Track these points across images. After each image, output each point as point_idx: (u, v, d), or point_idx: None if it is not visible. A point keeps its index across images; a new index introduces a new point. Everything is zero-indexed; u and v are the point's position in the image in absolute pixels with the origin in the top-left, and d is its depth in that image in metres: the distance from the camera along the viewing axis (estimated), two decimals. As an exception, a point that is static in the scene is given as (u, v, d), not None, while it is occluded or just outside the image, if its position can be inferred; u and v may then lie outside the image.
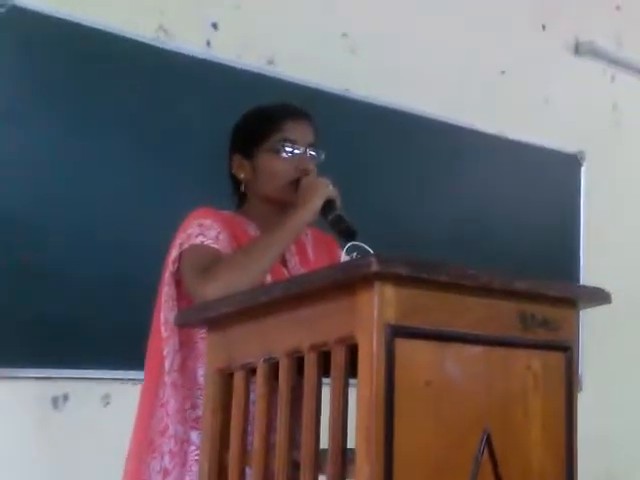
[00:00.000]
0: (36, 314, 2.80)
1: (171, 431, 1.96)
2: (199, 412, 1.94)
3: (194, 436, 1.94)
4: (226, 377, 1.71)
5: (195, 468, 1.90)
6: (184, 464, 1.96)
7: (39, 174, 2.86)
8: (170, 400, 1.97)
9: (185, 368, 2.00)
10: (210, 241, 1.95)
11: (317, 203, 1.96)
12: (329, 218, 1.98)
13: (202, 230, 1.97)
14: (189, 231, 1.98)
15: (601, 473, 4.29)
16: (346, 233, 1.98)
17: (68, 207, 2.90)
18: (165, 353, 1.98)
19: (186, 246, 1.96)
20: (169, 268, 1.99)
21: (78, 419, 2.90)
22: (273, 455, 1.55)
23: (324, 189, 1.97)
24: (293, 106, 2.12)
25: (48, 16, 2.89)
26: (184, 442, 1.95)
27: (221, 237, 1.97)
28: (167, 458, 1.95)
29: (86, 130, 2.95)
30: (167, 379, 1.97)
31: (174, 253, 1.98)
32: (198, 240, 1.95)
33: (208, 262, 1.90)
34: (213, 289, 1.84)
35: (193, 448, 1.94)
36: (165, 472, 1.95)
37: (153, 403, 2.01)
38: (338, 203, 1.99)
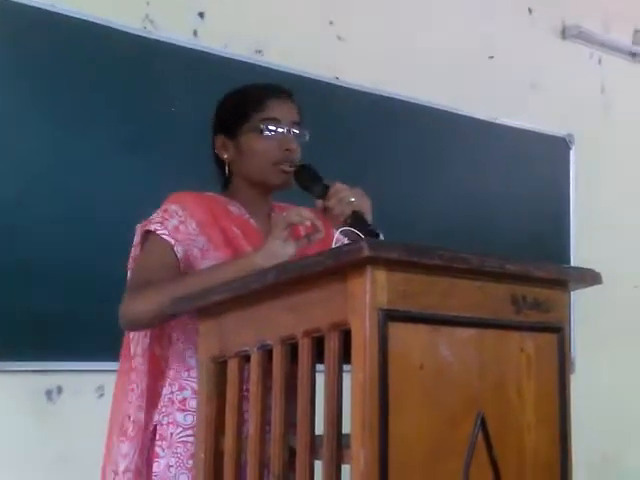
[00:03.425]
0: (29, 308, 2.80)
1: (132, 416, 1.98)
2: (186, 394, 1.95)
3: (180, 417, 1.95)
4: (220, 365, 1.72)
5: (181, 449, 1.92)
6: (143, 449, 1.97)
7: (29, 168, 2.86)
8: (134, 385, 2.00)
9: (175, 349, 2.00)
10: (165, 232, 1.93)
11: (269, 263, 1.78)
12: (348, 222, 1.89)
13: (164, 217, 1.96)
14: (153, 214, 1.98)
15: (596, 456, 4.32)
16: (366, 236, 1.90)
17: (60, 202, 2.90)
18: (131, 337, 2.00)
19: (142, 230, 1.97)
20: (132, 253, 2.02)
21: (73, 411, 2.90)
22: (269, 441, 1.56)
23: (288, 251, 1.82)
24: (275, 85, 2.11)
25: (35, 8, 2.88)
26: (170, 424, 1.95)
27: (181, 228, 1.95)
28: (126, 443, 1.97)
29: (74, 121, 2.94)
30: (132, 363, 2.00)
31: (136, 238, 2.00)
32: (153, 227, 1.94)
33: (143, 280, 1.90)
34: (130, 312, 1.87)
35: (180, 430, 1.94)
36: (124, 456, 1.97)
37: (125, 386, 2.02)
38: (369, 217, 1.93)
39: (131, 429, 1.97)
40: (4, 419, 2.82)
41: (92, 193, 2.96)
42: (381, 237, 1.88)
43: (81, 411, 2.90)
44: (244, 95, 2.09)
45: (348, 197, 1.92)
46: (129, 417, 1.98)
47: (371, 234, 1.85)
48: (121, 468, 1.96)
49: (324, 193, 1.94)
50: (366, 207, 1.94)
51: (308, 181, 1.98)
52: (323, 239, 2.14)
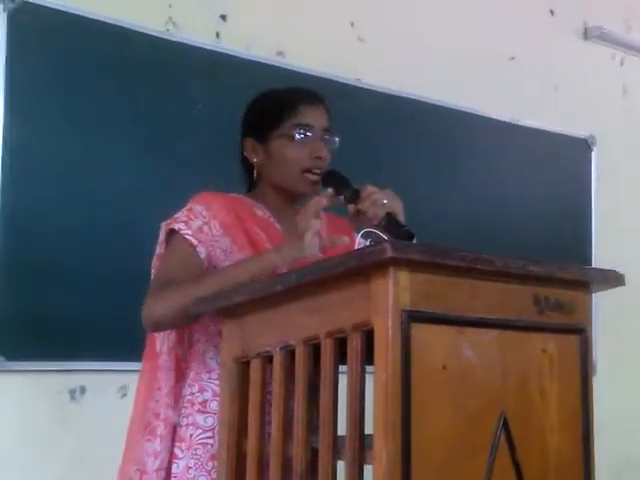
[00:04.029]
0: (53, 308, 2.82)
1: (162, 415, 1.98)
2: (206, 395, 1.96)
3: (200, 419, 1.95)
4: (242, 365, 1.73)
5: (201, 451, 1.92)
6: (171, 448, 1.97)
7: (51, 169, 2.87)
8: (161, 383, 2.00)
9: (196, 350, 2.01)
10: (188, 232, 1.93)
11: (293, 255, 1.83)
12: (383, 224, 1.91)
13: (188, 216, 1.96)
14: (178, 213, 1.99)
15: (619, 458, 4.29)
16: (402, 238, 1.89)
17: (82, 203, 2.91)
18: (155, 335, 2.01)
19: (167, 229, 1.98)
20: (156, 251, 2.02)
21: (95, 411, 2.92)
22: (291, 442, 1.57)
23: (311, 252, 1.83)
24: (308, 90, 2.09)
25: (58, 10, 2.89)
26: (190, 425, 1.95)
27: (205, 229, 1.95)
28: (158, 441, 1.97)
29: (95, 122, 2.95)
30: (158, 361, 2.00)
31: (161, 236, 2.01)
32: (177, 226, 1.95)
33: (165, 280, 1.90)
34: (153, 314, 1.88)
35: (199, 432, 1.94)
36: (156, 454, 1.97)
37: (151, 385, 2.03)
38: (402, 219, 1.94)
39: (162, 427, 1.97)
40: (28, 418, 2.83)
41: (112, 194, 2.97)
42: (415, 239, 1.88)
43: (104, 411, 2.91)
44: (277, 99, 2.07)
45: (381, 199, 1.91)
46: (158, 416, 1.98)
47: (406, 235, 1.86)
48: (153, 467, 1.96)
49: (355, 197, 1.94)
50: (398, 208, 1.94)
51: (337, 186, 1.97)
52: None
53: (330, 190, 1.93)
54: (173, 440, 1.97)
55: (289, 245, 1.84)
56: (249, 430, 1.68)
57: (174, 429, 1.98)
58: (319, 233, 1.85)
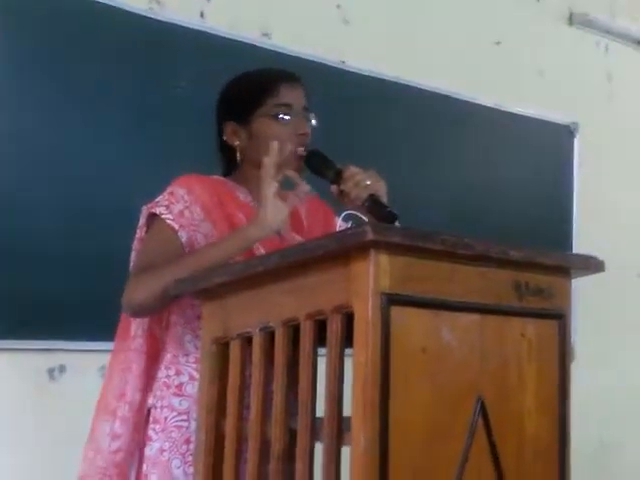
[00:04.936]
0: (32, 287, 2.81)
1: (128, 397, 1.98)
2: (182, 379, 1.95)
3: (175, 402, 1.94)
4: (222, 347, 1.72)
5: (175, 434, 1.92)
6: (137, 430, 1.97)
7: (33, 149, 2.86)
8: (132, 365, 1.99)
9: (173, 333, 2.00)
10: (169, 216, 1.93)
11: (264, 232, 1.85)
12: (366, 205, 1.91)
13: (170, 200, 1.95)
14: (159, 197, 1.98)
15: (595, 442, 4.33)
16: (385, 219, 1.89)
17: (62, 183, 2.90)
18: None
19: (148, 213, 1.97)
20: (137, 234, 2.01)
21: (75, 390, 2.91)
22: (270, 423, 1.57)
23: (281, 215, 1.84)
24: (285, 70, 2.08)
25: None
26: (164, 408, 1.94)
27: (186, 213, 1.94)
28: (118, 423, 1.97)
29: (79, 102, 2.94)
30: (131, 344, 2.00)
31: (141, 220, 2.00)
32: (158, 210, 1.94)
33: (145, 265, 1.90)
34: (133, 300, 1.88)
35: (174, 414, 1.94)
36: (114, 436, 1.97)
37: (120, 366, 2.03)
38: (385, 200, 1.93)
39: (127, 409, 1.97)
40: (6, 397, 2.83)
41: (95, 173, 2.96)
42: (398, 220, 1.88)
43: (83, 390, 2.89)
44: (255, 81, 2.07)
45: (364, 180, 1.91)
46: (123, 397, 1.98)
47: (390, 216, 1.86)
48: (109, 448, 1.96)
49: (338, 177, 1.94)
50: (381, 190, 1.94)
51: (320, 166, 1.98)
52: (324, 223, 2.15)
53: (274, 143, 1.89)
54: (147, 423, 1.97)
55: (257, 215, 1.85)
56: (228, 411, 1.68)
57: (148, 412, 1.97)
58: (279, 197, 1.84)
